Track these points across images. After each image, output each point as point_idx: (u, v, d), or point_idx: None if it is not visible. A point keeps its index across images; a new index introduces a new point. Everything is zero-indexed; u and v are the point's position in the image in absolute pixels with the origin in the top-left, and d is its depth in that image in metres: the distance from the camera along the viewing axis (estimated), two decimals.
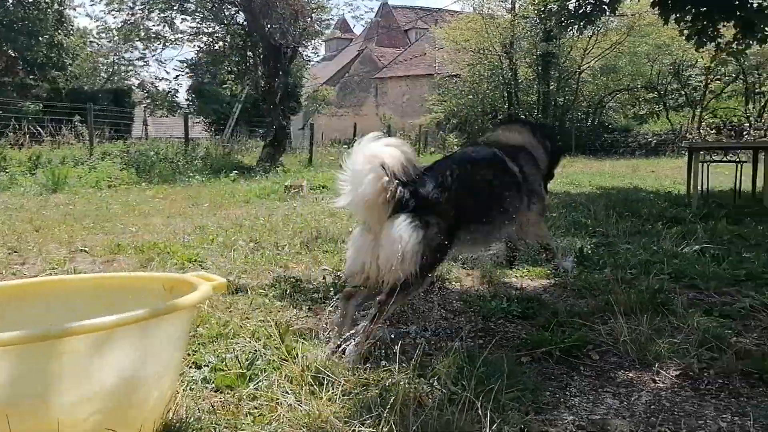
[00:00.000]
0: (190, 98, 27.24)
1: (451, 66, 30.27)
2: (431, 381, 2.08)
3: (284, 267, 4.13)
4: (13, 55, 21.64)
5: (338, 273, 3.77)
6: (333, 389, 1.98)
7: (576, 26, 10.21)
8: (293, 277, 3.65)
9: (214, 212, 7.32)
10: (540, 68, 27.52)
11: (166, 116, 23.79)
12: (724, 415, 1.98)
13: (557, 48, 26.75)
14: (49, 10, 20.82)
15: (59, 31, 21.80)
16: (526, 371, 2.31)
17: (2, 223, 5.99)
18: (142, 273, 2.58)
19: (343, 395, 1.95)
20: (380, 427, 1.73)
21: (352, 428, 1.72)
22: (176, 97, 23.55)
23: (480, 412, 1.76)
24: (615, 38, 26.86)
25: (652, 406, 2.07)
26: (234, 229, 5.74)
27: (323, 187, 10.44)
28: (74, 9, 33.56)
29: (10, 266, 4.18)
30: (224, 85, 20.59)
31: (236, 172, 12.23)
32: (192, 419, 1.81)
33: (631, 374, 2.34)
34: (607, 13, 10.22)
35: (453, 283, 3.76)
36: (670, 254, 4.30)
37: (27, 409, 1.44)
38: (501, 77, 28.09)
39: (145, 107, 24.32)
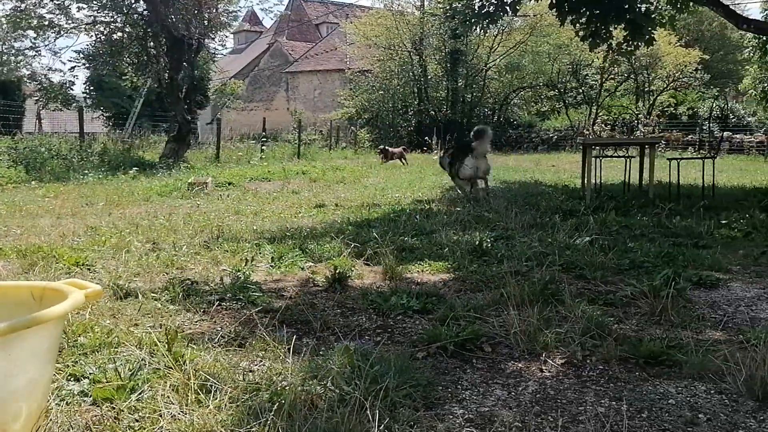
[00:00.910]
0: (88, 91, 25.82)
1: (362, 61, 30.37)
2: (324, 382, 2.06)
3: (181, 269, 3.99)
4: None
5: (238, 273, 3.68)
6: (221, 396, 1.92)
7: (480, 25, 10.45)
8: (189, 279, 3.52)
9: (109, 211, 6.97)
10: (449, 65, 28.08)
11: (61, 110, 22.41)
12: (603, 401, 2.08)
13: (465, 45, 27.39)
14: None
15: None
16: (420, 367, 2.33)
17: None
18: (6, 282, 2.39)
19: (231, 402, 1.89)
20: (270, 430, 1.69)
21: None
22: (71, 89, 22.20)
23: (369, 412, 1.75)
24: (519, 37, 27.84)
25: (538, 395, 2.14)
26: (130, 230, 5.49)
27: (230, 184, 10.20)
28: None
29: None
30: (124, 77, 19.64)
31: (136, 168, 11.71)
32: None
33: (520, 365, 2.42)
34: (509, 13, 10.53)
35: (354, 280, 3.75)
36: (564, 246, 4.49)
37: None
38: (411, 73, 28.45)
39: (36, 100, 22.83)
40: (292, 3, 41.77)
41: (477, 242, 4.56)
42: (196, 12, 13.12)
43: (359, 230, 5.47)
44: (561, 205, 6.95)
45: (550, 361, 2.43)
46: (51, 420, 1.80)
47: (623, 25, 9.79)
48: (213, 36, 16.78)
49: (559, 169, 14.00)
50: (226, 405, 1.87)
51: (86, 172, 11.08)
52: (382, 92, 28.80)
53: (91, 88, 25.73)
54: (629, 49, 10.26)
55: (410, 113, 28.89)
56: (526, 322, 2.66)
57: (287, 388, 1.98)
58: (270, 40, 40.79)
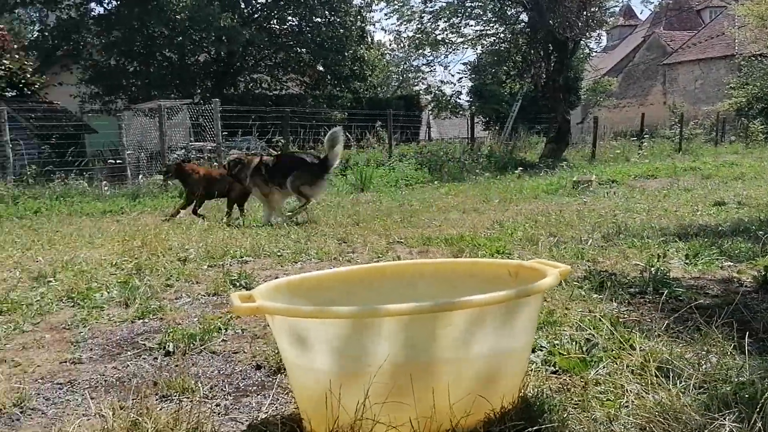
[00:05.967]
0: (471, 99, 28.29)
1: (755, 45, 26.68)
2: None
3: (592, 261, 4.10)
4: (322, 70, 24.97)
5: (652, 268, 3.63)
6: (681, 382, 1.94)
7: None
8: (606, 271, 3.62)
9: (505, 207, 7.53)
10: None
11: (450, 118, 25.08)
12: None
13: None
14: (353, 27, 23.46)
15: (361, 46, 24.55)
16: None
17: (330, 218, 6.94)
18: (487, 259, 2.80)
19: (696, 388, 1.90)
20: (746, 424, 1.65)
21: (712, 422, 1.67)
22: (459, 99, 24.80)
23: None
24: None
25: None
26: (529, 224, 5.85)
27: (613, 182, 10.05)
28: (373, 25, 37.48)
29: (344, 254, 4.79)
30: (503, 84, 20.97)
31: (520, 168, 12.40)
32: (544, 396, 1.93)
33: None
34: None
35: None
36: None
37: (421, 368, 1.69)
38: None
39: (430, 111, 26.01)
40: None
41: None
42: (578, 13, 13.23)
43: None
44: None
45: None
46: (525, 382, 2.06)
47: None
48: (590, 35, 16.73)
49: None
50: (690, 391, 1.89)
51: (477, 172, 12.17)
52: None
53: (473, 96, 28.13)
54: None
55: None
56: None
57: (751, 382, 1.90)
58: (646, 33, 38.68)
